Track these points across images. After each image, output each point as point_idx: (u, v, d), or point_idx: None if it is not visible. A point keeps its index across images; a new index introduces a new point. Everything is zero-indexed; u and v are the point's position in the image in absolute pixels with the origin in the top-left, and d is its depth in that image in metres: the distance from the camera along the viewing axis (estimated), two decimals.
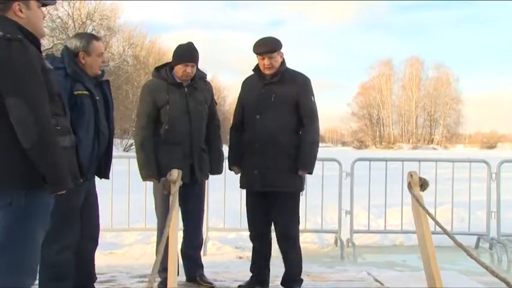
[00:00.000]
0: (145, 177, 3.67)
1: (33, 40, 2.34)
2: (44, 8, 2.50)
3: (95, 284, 3.42)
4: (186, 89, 3.67)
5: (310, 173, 3.67)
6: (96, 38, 3.27)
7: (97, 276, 3.49)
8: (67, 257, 3.05)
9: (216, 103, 3.97)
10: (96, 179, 3.35)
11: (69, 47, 3.20)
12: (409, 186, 3.35)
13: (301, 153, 3.58)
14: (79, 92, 3.08)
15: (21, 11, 2.33)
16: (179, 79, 3.67)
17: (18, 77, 2.20)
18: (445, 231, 2.98)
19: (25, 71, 2.22)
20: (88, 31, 31.17)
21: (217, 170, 3.90)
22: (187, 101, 3.65)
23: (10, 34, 2.20)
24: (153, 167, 3.60)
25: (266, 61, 3.58)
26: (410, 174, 3.36)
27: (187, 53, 3.65)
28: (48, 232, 2.97)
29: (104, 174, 3.34)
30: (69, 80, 3.07)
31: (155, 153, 3.63)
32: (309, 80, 3.71)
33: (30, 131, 2.18)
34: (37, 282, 2.95)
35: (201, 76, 3.80)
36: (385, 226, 6.00)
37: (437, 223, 3.07)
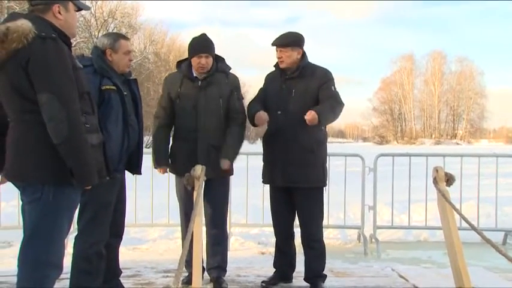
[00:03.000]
0: (155, 165, 3.72)
1: (65, 40, 2.42)
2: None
3: (120, 278, 3.47)
4: (199, 83, 3.59)
5: (320, 122, 3.41)
6: (124, 37, 3.32)
7: (122, 270, 3.54)
8: (99, 251, 3.11)
9: (240, 97, 3.72)
10: (127, 175, 3.41)
11: (97, 45, 3.28)
12: (435, 181, 3.31)
13: (320, 105, 3.47)
14: (107, 87, 3.12)
15: (59, 12, 2.43)
16: (196, 73, 3.62)
17: (51, 74, 2.26)
18: (472, 227, 2.94)
19: (58, 68, 2.28)
20: (110, 29, 31.59)
21: (226, 154, 3.56)
22: (198, 96, 3.57)
23: (45, 33, 2.28)
24: (161, 156, 3.66)
25: (278, 54, 3.60)
26: (436, 169, 3.31)
27: (199, 44, 3.60)
28: (83, 226, 3.08)
29: (136, 169, 3.39)
30: (97, 76, 3.13)
31: (169, 144, 3.70)
32: (330, 72, 3.68)
33: (61, 126, 2.23)
34: (68, 275, 3.03)
35: (222, 69, 3.66)
36: (409, 222, 5.93)
37: (464, 218, 3.02)
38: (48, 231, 2.34)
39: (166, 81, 3.80)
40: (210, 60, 3.59)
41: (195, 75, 3.63)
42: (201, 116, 3.56)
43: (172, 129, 3.76)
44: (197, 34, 3.67)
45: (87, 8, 2.75)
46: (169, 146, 3.76)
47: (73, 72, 2.35)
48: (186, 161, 3.49)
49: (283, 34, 3.64)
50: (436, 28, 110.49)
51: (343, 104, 3.59)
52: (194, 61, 3.59)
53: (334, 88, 3.63)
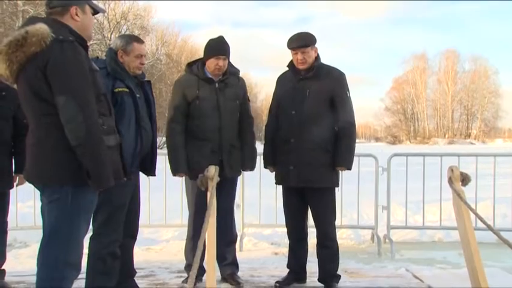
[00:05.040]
0: (173, 172, 3.66)
1: (82, 43, 2.44)
2: None
3: (134, 278, 3.50)
4: (217, 85, 3.64)
5: (349, 168, 3.64)
6: (138, 41, 3.32)
7: (137, 271, 3.56)
8: (114, 251, 3.14)
9: (249, 100, 3.92)
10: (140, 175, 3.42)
11: (111, 46, 3.31)
12: (450, 181, 3.27)
13: (339, 150, 3.56)
14: (119, 89, 3.15)
15: (77, 15, 2.46)
16: (211, 74, 3.65)
17: (69, 77, 2.28)
18: (488, 227, 2.91)
19: (75, 71, 2.30)
20: (122, 31, 31.78)
21: (250, 166, 3.83)
22: (218, 96, 3.62)
23: (62, 36, 2.31)
24: (180, 162, 3.60)
25: (299, 56, 3.57)
26: (451, 169, 3.28)
27: (218, 46, 3.63)
28: (98, 227, 3.11)
29: (150, 171, 3.41)
30: (110, 78, 3.15)
31: (185, 148, 3.63)
32: (344, 75, 3.69)
33: (78, 128, 2.26)
34: (83, 276, 3.05)
35: (233, 72, 3.75)
36: (423, 222, 5.88)
37: (480, 218, 2.99)
38: (67, 232, 2.36)
39: (180, 84, 3.75)
40: (227, 62, 3.65)
41: (210, 76, 3.65)
42: (223, 116, 3.62)
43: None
44: (209, 35, 3.71)
45: (103, 11, 2.78)
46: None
47: (90, 74, 2.38)
48: (207, 160, 3.44)
49: (298, 35, 3.63)
50: (449, 26, 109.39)
51: (355, 125, 3.68)
52: (211, 62, 3.61)
53: (348, 94, 3.67)
